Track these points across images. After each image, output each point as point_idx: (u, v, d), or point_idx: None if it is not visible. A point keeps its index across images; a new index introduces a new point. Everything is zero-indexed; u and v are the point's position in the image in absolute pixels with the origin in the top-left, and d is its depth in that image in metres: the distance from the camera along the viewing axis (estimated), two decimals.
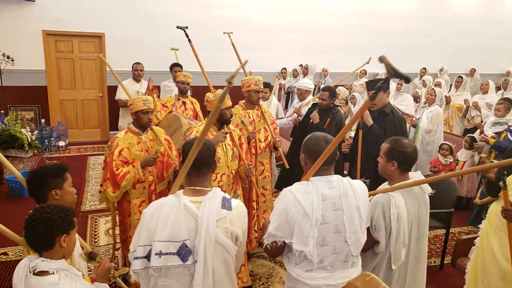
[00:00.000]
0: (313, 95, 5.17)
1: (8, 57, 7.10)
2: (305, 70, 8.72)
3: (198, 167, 1.79)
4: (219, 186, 2.96)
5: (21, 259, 1.73)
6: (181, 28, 4.20)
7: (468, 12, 10.74)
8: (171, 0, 7.98)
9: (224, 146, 3.07)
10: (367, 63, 5.79)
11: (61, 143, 7.38)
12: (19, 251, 3.79)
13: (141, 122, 3.04)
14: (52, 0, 7.33)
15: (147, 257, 1.70)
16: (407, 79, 1.57)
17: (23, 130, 6.57)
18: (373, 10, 9.76)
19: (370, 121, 3.49)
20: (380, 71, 9.11)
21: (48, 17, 7.38)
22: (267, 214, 3.81)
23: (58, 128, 7.55)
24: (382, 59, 1.57)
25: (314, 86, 5.35)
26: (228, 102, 3.08)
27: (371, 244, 2.13)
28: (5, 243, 3.86)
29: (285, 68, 8.92)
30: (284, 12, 9.08)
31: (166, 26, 7.91)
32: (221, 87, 4.26)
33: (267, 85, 5.33)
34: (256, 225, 3.74)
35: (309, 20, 9.29)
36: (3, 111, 7.09)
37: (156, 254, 1.67)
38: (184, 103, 4.67)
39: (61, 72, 7.84)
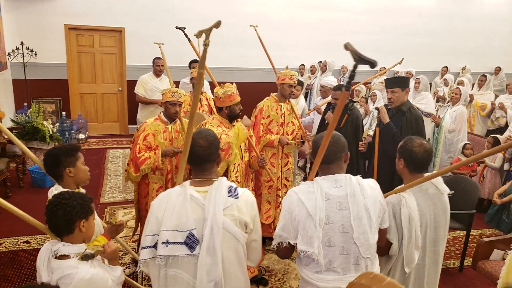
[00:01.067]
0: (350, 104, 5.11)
1: (31, 51, 7.25)
2: (324, 67, 8.63)
3: (200, 163, 1.82)
4: (235, 177, 3.01)
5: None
6: (179, 28, 4.24)
7: (492, 11, 10.45)
8: None
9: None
10: (399, 63, 5.67)
11: (81, 136, 7.52)
12: (41, 240, 3.89)
13: (168, 112, 3.20)
14: None
15: (155, 246, 1.72)
16: (372, 64, 1.54)
17: (45, 122, 6.72)
18: (394, 8, 9.61)
19: (386, 119, 3.45)
20: (400, 69, 8.97)
21: (70, 11, 7.51)
22: None
23: (78, 121, 7.69)
24: (347, 47, 1.56)
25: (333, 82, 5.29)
26: (236, 97, 3.08)
27: (387, 248, 2.08)
28: (28, 231, 3.97)
29: (303, 65, 8.85)
30: (304, 9, 9.01)
31: (186, 21, 7.93)
32: (243, 83, 4.28)
33: (299, 83, 5.30)
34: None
35: (330, 18, 9.19)
36: (26, 104, 7.26)
37: (163, 243, 1.68)
38: (199, 99, 4.70)
39: (82, 66, 7.97)
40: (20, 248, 3.76)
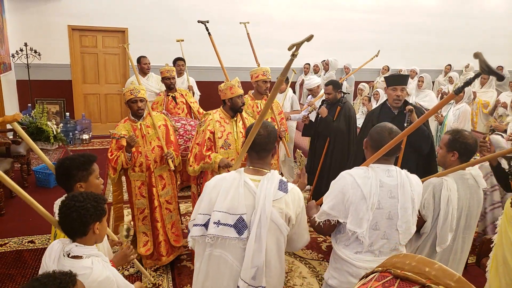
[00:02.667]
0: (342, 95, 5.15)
1: (35, 52, 7.30)
2: (326, 66, 8.63)
3: (258, 150, 1.89)
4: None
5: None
6: (202, 22, 4.23)
7: (495, 9, 10.42)
8: None
9: (236, 133, 3.21)
10: (376, 56, 5.64)
11: (85, 136, 7.56)
12: (46, 240, 3.91)
13: (132, 110, 3.29)
14: None
15: (206, 225, 1.79)
16: (501, 77, 1.58)
17: (49, 123, 6.77)
18: (397, 7, 9.60)
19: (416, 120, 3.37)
20: (404, 67, 8.95)
21: (73, 12, 7.55)
22: None
23: (82, 122, 7.73)
24: (477, 55, 1.57)
25: (319, 81, 5.36)
26: (239, 90, 3.16)
27: (419, 226, 2.20)
28: (32, 231, 3.99)
29: (308, 64, 8.84)
30: (308, 8, 9.02)
31: (189, 20, 7.96)
32: (243, 82, 4.30)
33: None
34: None
35: (334, 17, 9.19)
36: (30, 104, 7.31)
37: (214, 223, 1.76)
38: (174, 97, 4.75)
39: (85, 67, 8.01)
40: (25, 248, 3.78)
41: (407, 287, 1.28)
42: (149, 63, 6.04)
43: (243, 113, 3.34)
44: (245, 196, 1.78)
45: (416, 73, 7.96)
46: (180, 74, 6.06)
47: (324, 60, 8.67)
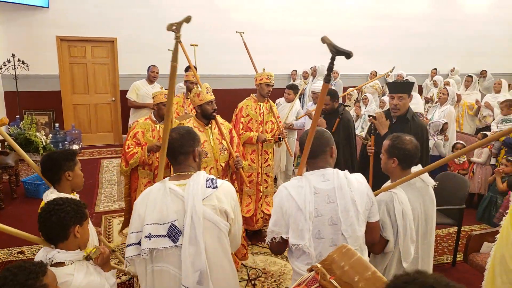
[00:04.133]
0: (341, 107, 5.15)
1: (23, 63, 7.27)
2: (314, 72, 8.72)
3: (174, 156, 1.88)
4: None
5: None
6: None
7: (479, 14, 10.68)
8: (184, 4, 8.08)
9: (212, 140, 3.18)
10: (391, 71, 5.78)
11: (75, 147, 7.51)
12: (35, 250, 3.88)
13: (161, 112, 3.41)
14: (66, 6, 7.50)
15: (140, 243, 1.74)
16: (347, 55, 1.64)
17: (38, 134, 6.72)
18: (385, 12, 9.79)
19: (383, 131, 3.14)
20: (391, 72, 9.09)
21: (61, 23, 7.55)
22: (269, 199, 4.15)
23: (72, 132, 7.69)
24: (324, 40, 1.67)
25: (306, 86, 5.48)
26: (207, 96, 3.07)
27: (383, 246, 2.11)
28: (22, 242, 3.93)
29: (295, 70, 8.94)
30: (297, 15, 9.14)
31: (181, 30, 8.00)
32: (234, 90, 4.37)
33: (292, 87, 5.48)
34: (262, 206, 4.17)
35: (321, 23, 9.31)
36: (18, 116, 7.26)
37: (146, 237, 1.71)
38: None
39: (75, 77, 8.00)
40: (14, 259, 3.74)
41: None
42: (157, 72, 6.21)
43: (218, 118, 3.28)
44: (173, 203, 1.74)
45: (402, 78, 8.10)
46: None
47: (312, 67, 8.78)
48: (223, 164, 3.23)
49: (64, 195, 1.95)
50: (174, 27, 1.65)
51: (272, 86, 4.07)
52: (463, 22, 10.48)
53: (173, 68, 1.74)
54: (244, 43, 4.64)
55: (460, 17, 10.48)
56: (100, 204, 5.13)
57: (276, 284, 3.42)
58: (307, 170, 1.99)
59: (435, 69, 9.57)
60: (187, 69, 6.06)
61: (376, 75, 9.08)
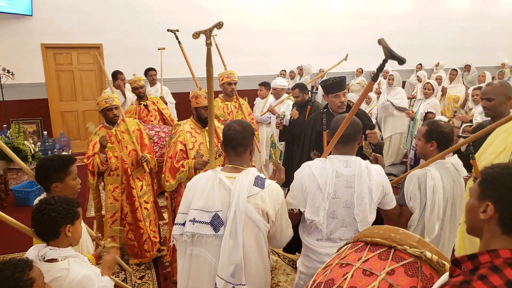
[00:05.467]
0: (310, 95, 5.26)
1: (8, 72, 7.20)
2: (301, 71, 8.81)
3: (233, 146, 1.91)
4: None
5: None
6: (171, 31, 4.33)
7: (462, 10, 10.90)
8: (170, 7, 8.08)
9: (208, 143, 3.12)
10: (345, 59, 5.88)
11: (64, 154, 7.46)
12: None
13: (108, 118, 3.42)
14: (50, 14, 7.47)
15: (184, 224, 1.83)
16: (401, 61, 1.72)
17: (26, 142, 6.65)
18: (370, 12, 9.93)
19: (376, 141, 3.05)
20: (389, 68, 9.20)
21: (46, 30, 7.51)
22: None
23: (61, 140, 7.62)
24: (380, 42, 1.78)
25: (287, 84, 5.62)
26: (204, 101, 3.05)
27: (407, 219, 2.23)
28: (12, 249, 3.92)
29: (284, 70, 9.02)
30: (283, 16, 9.22)
31: (166, 34, 8.01)
32: (220, 92, 4.41)
33: (264, 84, 5.57)
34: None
35: (308, 23, 9.42)
36: (5, 125, 7.18)
37: (190, 221, 1.80)
38: (146, 106, 4.86)
39: (61, 84, 7.95)
40: None
41: (376, 249, 1.42)
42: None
43: (215, 122, 3.26)
44: (220, 193, 1.80)
45: (387, 73, 8.20)
46: (152, 83, 6.16)
47: (299, 66, 8.86)
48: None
49: None
50: (206, 33, 1.69)
51: (235, 83, 4.09)
52: (446, 18, 10.67)
53: (209, 72, 1.81)
54: (216, 45, 4.64)
55: (444, 13, 10.67)
56: (91, 209, 5.09)
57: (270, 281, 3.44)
58: (331, 153, 2.12)
59: (420, 64, 9.72)
60: (147, 71, 6.06)
61: (362, 72, 9.20)
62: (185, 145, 3.09)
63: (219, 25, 1.74)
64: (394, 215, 2.21)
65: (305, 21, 9.38)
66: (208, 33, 1.76)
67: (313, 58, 9.20)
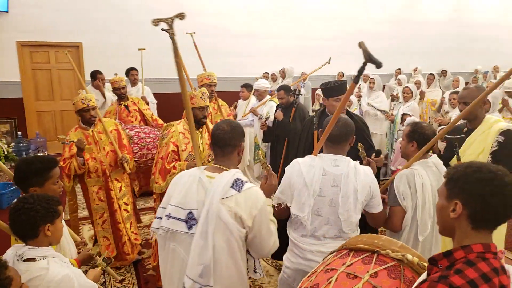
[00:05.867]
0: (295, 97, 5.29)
1: None
2: (283, 74, 8.85)
3: (221, 146, 1.88)
4: None
5: None
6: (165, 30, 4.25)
7: (439, 16, 11.23)
8: (150, 7, 7.98)
9: (201, 145, 3.09)
10: (328, 63, 5.97)
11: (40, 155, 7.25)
12: None
13: (84, 119, 3.38)
14: (26, 10, 7.25)
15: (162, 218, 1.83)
16: (378, 65, 1.79)
17: None
18: (350, 16, 10.09)
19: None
20: (356, 72, 9.34)
21: (22, 27, 7.29)
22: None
23: (36, 140, 7.40)
24: (360, 45, 1.84)
25: (270, 86, 5.65)
26: (200, 101, 2.98)
27: (401, 220, 2.21)
28: None
29: (267, 72, 9.04)
30: (265, 18, 9.26)
31: (147, 33, 7.89)
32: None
33: (245, 85, 5.59)
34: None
35: (289, 26, 9.49)
36: None
37: (166, 216, 1.80)
38: (126, 106, 4.81)
39: (38, 83, 7.73)
40: None
41: (360, 255, 1.46)
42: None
43: (209, 124, 3.21)
44: (198, 192, 1.78)
45: (368, 77, 8.34)
46: (134, 83, 6.07)
47: (281, 68, 8.90)
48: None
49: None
50: (167, 21, 1.68)
51: (215, 85, 4.11)
52: (424, 24, 10.95)
53: (178, 64, 1.82)
54: (194, 43, 4.61)
55: (421, 19, 10.94)
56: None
57: (251, 281, 3.44)
58: (321, 152, 2.15)
59: (399, 69, 9.93)
60: (129, 71, 5.99)
61: (343, 76, 9.32)
62: (177, 146, 3.02)
63: (181, 16, 1.75)
64: (380, 220, 2.23)
65: (286, 24, 9.44)
66: (169, 22, 1.76)
67: (295, 61, 9.27)
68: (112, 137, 3.45)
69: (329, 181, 2.03)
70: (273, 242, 1.89)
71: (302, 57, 9.44)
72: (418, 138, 2.34)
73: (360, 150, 2.45)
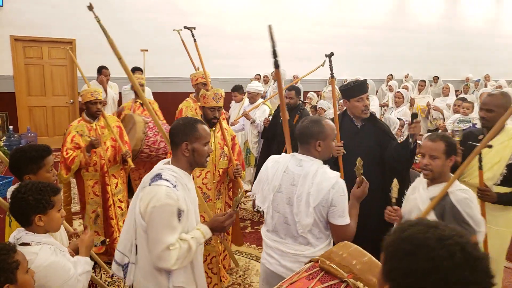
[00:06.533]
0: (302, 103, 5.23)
1: None
2: (275, 76, 8.89)
3: (169, 140, 1.96)
4: (202, 183, 2.99)
5: None
6: (188, 28, 4.24)
7: (431, 24, 11.40)
8: (145, 6, 8.02)
9: (213, 144, 3.00)
10: (322, 65, 5.98)
11: None
12: None
13: (90, 111, 3.38)
14: (21, 5, 7.23)
15: None
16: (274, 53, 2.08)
17: None
18: (344, 20, 10.21)
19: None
20: (348, 78, 9.48)
21: (16, 22, 7.26)
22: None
23: (28, 135, 7.38)
24: (270, 28, 1.97)
25: (262, 89, 5.62)
26: (212, 102, 2.90)
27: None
28: None
29: (259, 75, 9.09)
30: (257, 20, 9.29)
31: (140, 31, 7.94)
32: (191, 93, 4.39)
33: (236, 89, 5.49)
34: None
35: (282, 29, 9.53)
36: None
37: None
38: (141, 104, 4.81)
39: (30, 79, 7.69)
40: None
41: (327, 280, 1.27)
42: (109, 75, 6.21)
43: (224, 123, 3.17)
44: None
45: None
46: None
47: (273, 71, 8.96)
48: (220, 170, 3.07)
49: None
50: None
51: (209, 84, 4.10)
52: (415, 31, 11.13)
53: (117, 54, 1.88)
54: (182, 41, 4.54)
55: (413, 26, 11.12)
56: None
57: (241, 280, 3.48)
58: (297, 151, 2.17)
59: (391, 75, 10.08)
60: (134, 71, 6.00)
61: (335, 80, 9.42)
62: None
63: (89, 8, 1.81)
64: (340, 234, 1.97)
65: (279, 27, 9.46)
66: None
67: (286, 63, 9.29)
68: (115, 132, 3.49)
69: (288, 180, 2.03)
70: (159, 252, 1.72)
71: (293, 60, 9.51)
72: (454, 151, 2.14)
73: (357, 165, 2.13)
